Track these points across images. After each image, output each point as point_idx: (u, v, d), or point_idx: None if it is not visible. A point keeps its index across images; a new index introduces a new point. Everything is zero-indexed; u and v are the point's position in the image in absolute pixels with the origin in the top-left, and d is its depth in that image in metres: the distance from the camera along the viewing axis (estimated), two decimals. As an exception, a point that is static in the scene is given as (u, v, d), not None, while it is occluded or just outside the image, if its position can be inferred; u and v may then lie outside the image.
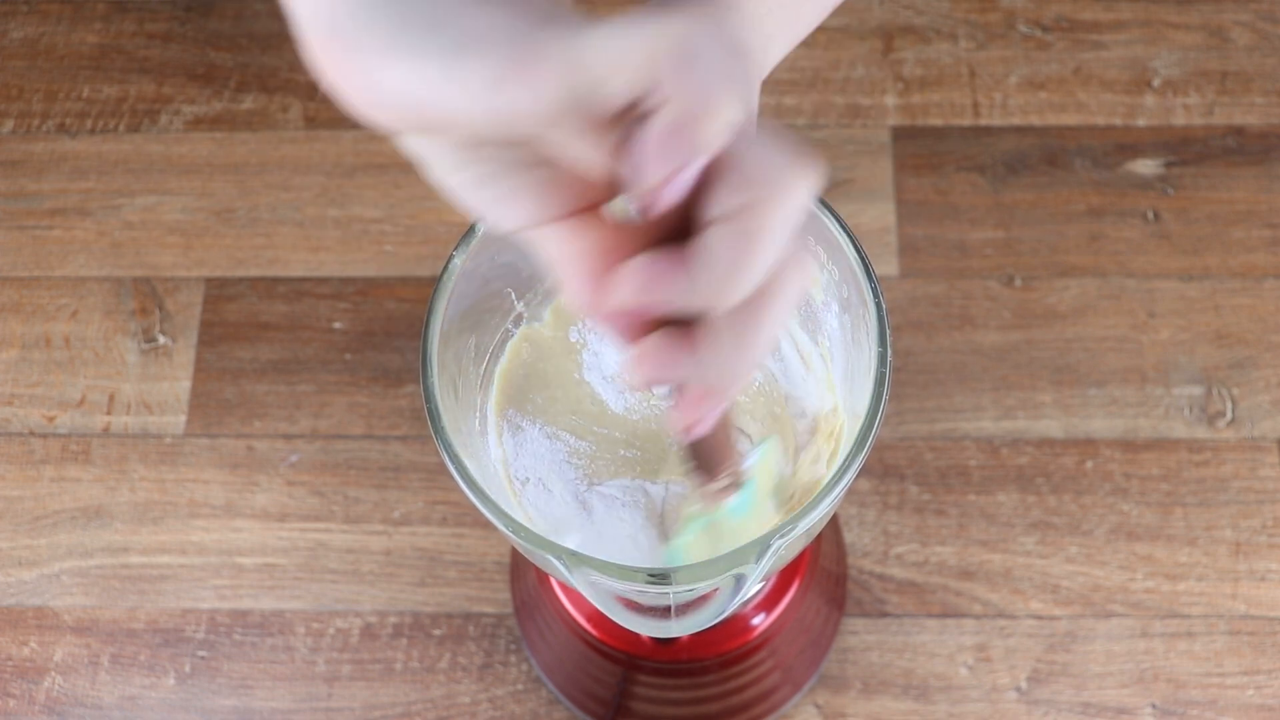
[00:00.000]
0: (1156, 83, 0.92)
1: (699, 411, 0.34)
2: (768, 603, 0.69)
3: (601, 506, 0.52)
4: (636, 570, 0.44)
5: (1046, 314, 0.84)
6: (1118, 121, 0.91)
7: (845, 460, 0.45)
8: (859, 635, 0.77)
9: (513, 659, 0.77)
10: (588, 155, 0.31)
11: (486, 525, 0.79)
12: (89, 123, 0.93)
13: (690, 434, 0.35)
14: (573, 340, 0.56)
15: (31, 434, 0.84)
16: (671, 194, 0.30)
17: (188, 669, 0.77)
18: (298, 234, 0.89)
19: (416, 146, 0.32)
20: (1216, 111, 0.91)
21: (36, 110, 0.94)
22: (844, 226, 0.49)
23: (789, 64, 0.93)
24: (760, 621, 0.69)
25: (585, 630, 0.69)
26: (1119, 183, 0.88)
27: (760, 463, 0.49)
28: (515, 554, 0.78)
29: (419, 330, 0.49)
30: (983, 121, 0.91)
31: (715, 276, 0.30)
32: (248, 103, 0.94)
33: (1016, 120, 0.91)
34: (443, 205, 0.89)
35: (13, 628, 0.78)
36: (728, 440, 0.40)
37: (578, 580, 0.44)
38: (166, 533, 0.80)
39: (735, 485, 0.43)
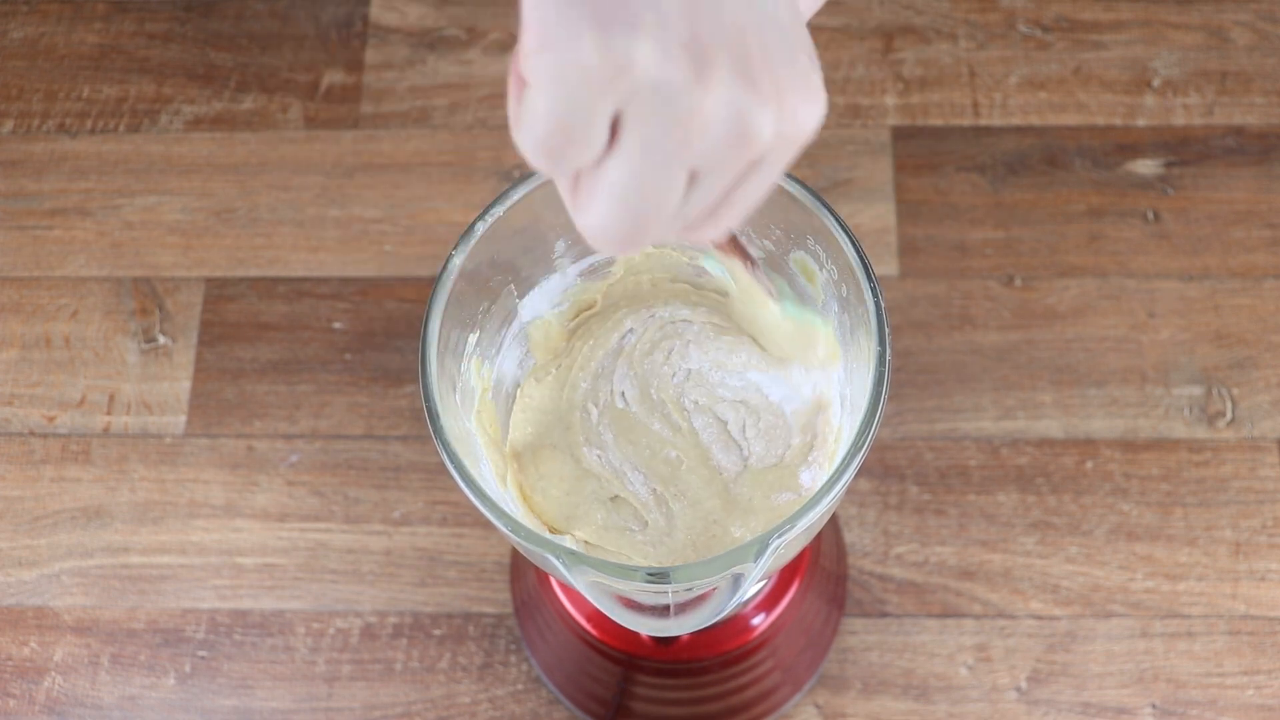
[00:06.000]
0: (1156, 83, 0.92)
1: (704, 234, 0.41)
2: (768, 603, 0.69)
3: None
4: (635, 569, 0.44)
5: (1046, 314, 0.84)
6: (1118, 121, 0.91)
7: (844, 459, 0.45)
8: (859, 635, 0.77)
9: (513, 659, 0.77)
10: None
11: (486, 525, 0.79)
12: (89, 123, 0.93)
13: (710, 244, 0.43)
14: None
15: (31, 434, 0.84)
16: None
17: (188, 669, 0.77)
18: (298, 234, 0.89)
19: None
20: (1216, 111, 0.91)
21: (36, 110, 0.94)
22: (843, 226, 0.49)
23: (789, 64, 0.93)
24: (760, 621, 0.69)
25: (585, 630, 0.69)
26: (1119, 183, 0.88)
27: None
28: (515, 554, 0.78)
29: (419, 330, 0.49)
30: (983, 121, 0.91)
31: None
32: (248, 103, 0.94)
33: (1016, 120, 0.91)
34: (443, 205, 0.89)
35: (13, 628, 0.78)
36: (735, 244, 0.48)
37: (577, 580, 0.44)
38: (166, 533, 0.80)
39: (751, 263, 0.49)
